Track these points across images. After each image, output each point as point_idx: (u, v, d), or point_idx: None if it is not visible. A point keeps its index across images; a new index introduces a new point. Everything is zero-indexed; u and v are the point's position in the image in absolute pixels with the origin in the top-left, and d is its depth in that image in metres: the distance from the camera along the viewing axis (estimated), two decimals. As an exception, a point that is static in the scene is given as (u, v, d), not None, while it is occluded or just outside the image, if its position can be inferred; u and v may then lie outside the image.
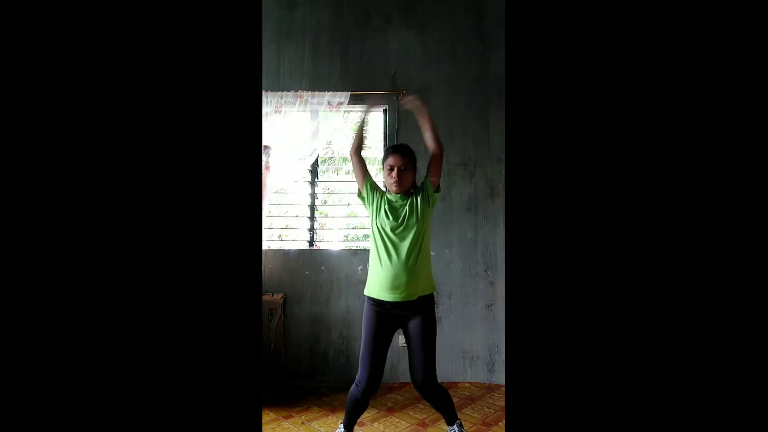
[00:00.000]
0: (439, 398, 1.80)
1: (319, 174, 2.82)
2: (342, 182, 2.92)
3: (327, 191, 2.90)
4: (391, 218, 1.73)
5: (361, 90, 2.71)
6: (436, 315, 2.58)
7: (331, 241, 2.86)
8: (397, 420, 2.19)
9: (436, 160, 1.77)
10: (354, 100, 2.66)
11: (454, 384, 2.64)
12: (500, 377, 2.64)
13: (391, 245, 1.71)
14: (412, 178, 1.79)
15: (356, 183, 1.85)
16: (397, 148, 1.80)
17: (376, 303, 1.72)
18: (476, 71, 2.78)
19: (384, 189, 1.85)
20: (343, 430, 1.82)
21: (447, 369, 2.66)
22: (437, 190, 1.79)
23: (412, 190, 1.79)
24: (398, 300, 1.69)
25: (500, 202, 2.70)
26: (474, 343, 2.69)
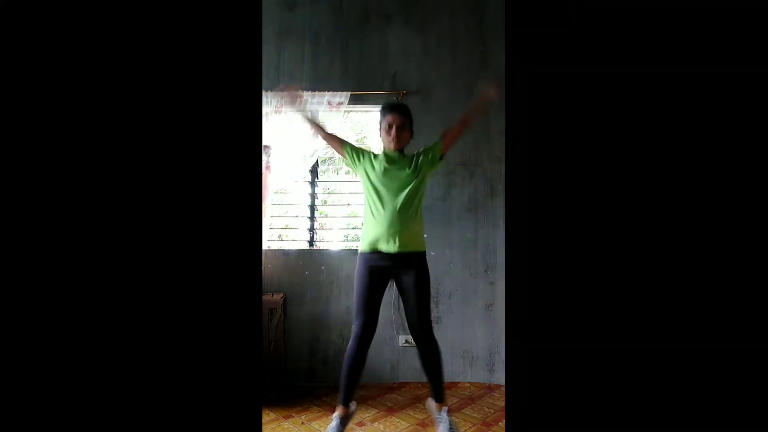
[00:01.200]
0: (432, 351, 1.79)
1: (319, 174, 2.82)
2: (342, 182, 2.92)
3: (327, 191, 2.89)
4: (388, 171, 1.76)
5: (361, 90, 2.71)
6: (436, 315, 2.61)
7: (331, 241, 2.86)
8: (397, 420, 2.19)
9: (455, 135, 1.84)
10: (354, 100, 2.66)
11: (454, 384, 2.64)
12: (500, 377, 2.64)
13: (387, 195, 1.73)
14: (409, 137, 1.85)
15: (339, 156, 1.90)
16: (395, 107, 1.85)
17: (369, 258, 1.74)
18: (476, 71, 2.78)
19: (371, 155, 1.87)
20: (338, 417, 1.76)
21: (447, 369, 2.64)
22: (442, 158, 1.85)
23: (419, 150, 1.84)
24: (392, 251, 1.70)
25: (500, 202, 2.70)
26: (474, 343, 2.69)
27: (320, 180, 2.84)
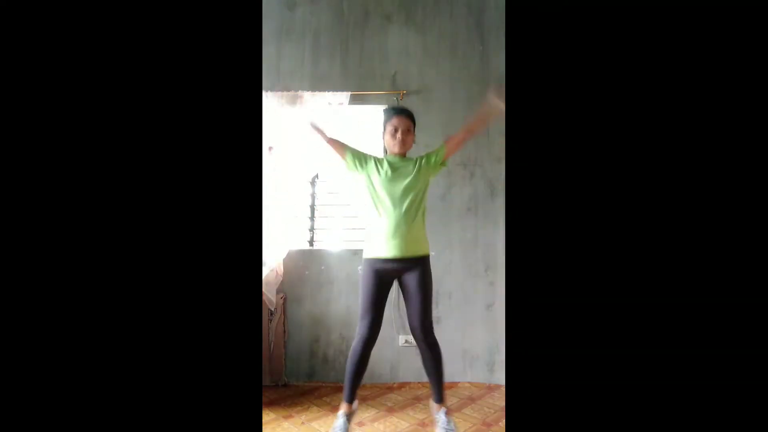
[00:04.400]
0: (433, 352, 1.82)
1: (319, 174, 2.82)
2: (342, 182, 2.92)
3: (327, 191, 2.89)
4: (391, 176, 1.77)
5: (361, 90, 2.71)
6: (436, 315, 2.60)
7: (332, 241, 2.86)
8: (397, 420, 2.19)
9: (459, 142, 1.85)
10: (354, 100, 2.66)
11: (454, 384, 2.64)
12: (500, 377, 2.64)
13: (390, 200, 1.75)
14: (413, 140, 1.87)
15: (341, 162, 1.88)
16: (400, 111, 1.86)
17: (375, 262, 1.76)
18: (476, 71, 2.78)
19: (374, 160, 1.86)
20: (344, 415, 1.81)
21: (447, 369, 2.64)
22: (444, 163, 1.86)
23: (421, 155, 1.85)
24: (397, 256, 1.73)
25: (500, 202, 2.70)
26: (474, 343, 2.69)
27: (320, 180, 2.84)
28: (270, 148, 2.63)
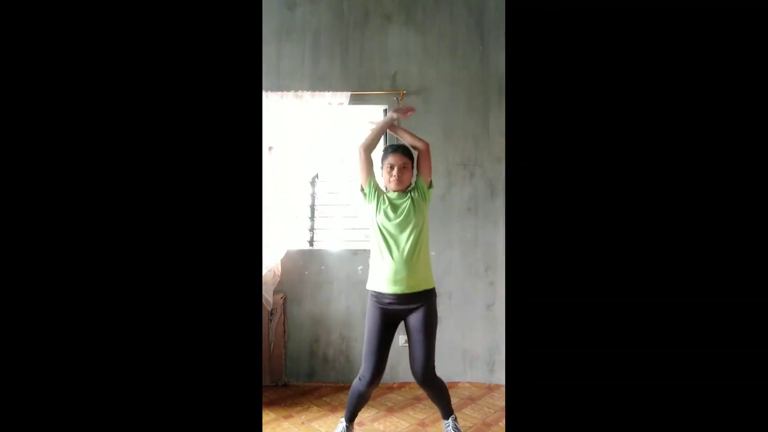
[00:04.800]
0: (437, 390, 1.86)
1: (319, 174, 2.82)
2: (342, 182, 2.92)
3: (327, 191, 2.89)
4: (391, 215, 1.78)
5: (361, 90, 2.71)
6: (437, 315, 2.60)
7: (331, 241, 2.86)
8: (397, 420, 2.19)
9: (424, 156, 1.87)
10: (354, 100, 2.66)
11: (454, 384, 2.64)
12: (500, 377, 2.64)
13: (391, 240, 1.76)
14: (411, 175, 1.87)
15: (359, 178, 1.87)
16: (396, 148, 1.87)
17: (379, 297, 1.77)
18: (476, 71, 2.78)
19: (384, 188, 1.90)
20: (345, 424, 1.86)
21: (447, 369, 2.66)
22: (430, 186, 1.87)
23: (410, 188, 1.87)
24: (399, 293, 1.74)
25: (500, 202, 2.70)
26: (474, 343, 2.69)
27: (320, 180, 2.84)
28: (270, 148, 2.62)
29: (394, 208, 1.80)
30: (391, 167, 1.81)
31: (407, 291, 1.74)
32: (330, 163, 2.85)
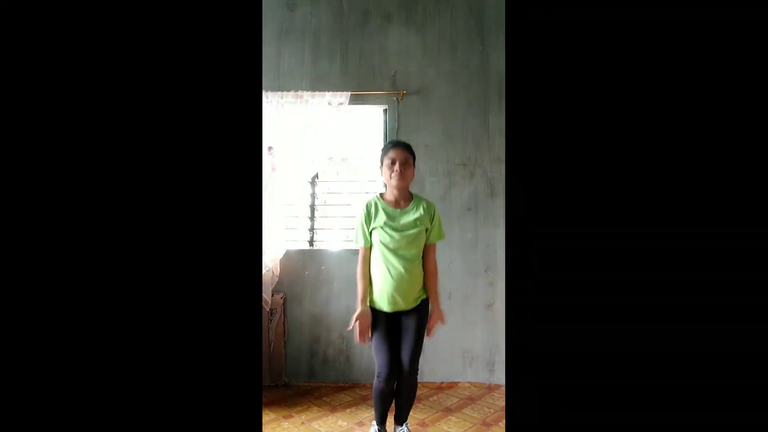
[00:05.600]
0: (410, 391, 1.84)
1: (319, 174, 2.82)
2: (342, 182, 2.92)
3: (327, 191, 2.89)
4: (390, 231, 1.75)
5: (360, 90, 2.71)
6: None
7: (331, 241, 2.86)
8: (397, 420, 2.19)
9: (430, 274, 1.88)
10: (354, 100, 2.66)
11: (455, 384, 2.64)
12: (500, 377, 2.64)
13: (392, 256, 1.74)
14: (412, 173, 1.81)
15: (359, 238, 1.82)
16: (398, 143, 1.81)
17: (377, 311, 1.79)
18: (476, 71, 2.77)
19: (374, 207, 1.80)
20: (377, 428, 1.87)
21: (447, 369, 2.67)
22: (440, 238, 1.87)
23: (423, 218, 1.79)
24: (395, 310, 1.77)
25: (500, 202, 2.70)
26: (474, 343, 2.69)
27: (320, 180, 2.84)
28: (270, 148, 2.63)
29: (394, 223, 1.75)
30: (393, 162, 1.74)
31: (403, 308, 1.77)
32: (330, 163, 2.86)
